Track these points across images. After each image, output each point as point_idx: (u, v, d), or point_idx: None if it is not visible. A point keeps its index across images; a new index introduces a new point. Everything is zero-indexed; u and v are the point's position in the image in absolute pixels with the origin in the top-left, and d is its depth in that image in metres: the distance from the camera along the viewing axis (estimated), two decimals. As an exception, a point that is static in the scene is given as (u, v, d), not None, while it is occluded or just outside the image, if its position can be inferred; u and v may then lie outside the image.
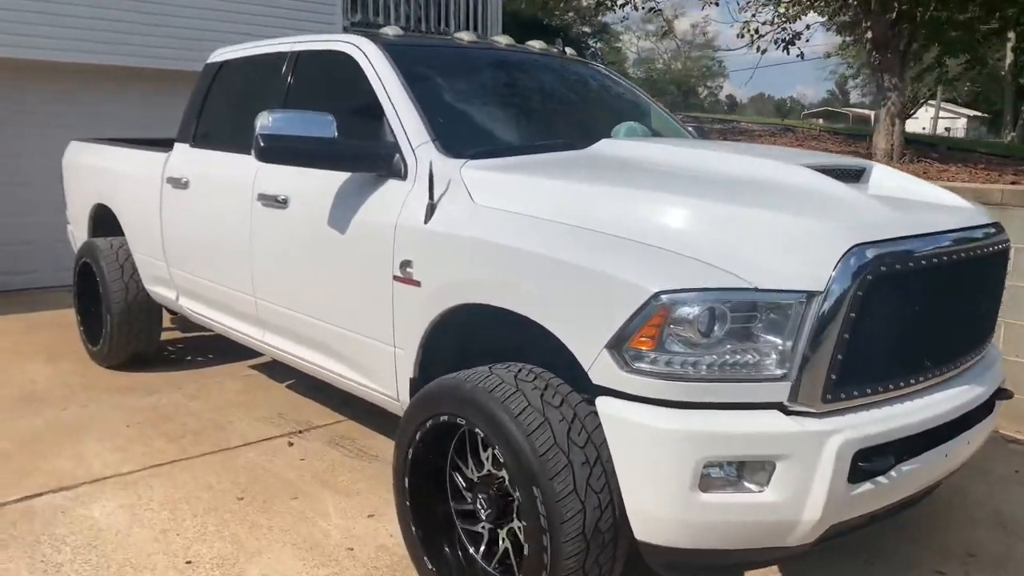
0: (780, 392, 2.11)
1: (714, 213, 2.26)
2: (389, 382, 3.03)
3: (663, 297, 2.07)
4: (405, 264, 2.79)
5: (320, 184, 3.22)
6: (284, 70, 3.71)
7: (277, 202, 3.44)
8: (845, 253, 2.10)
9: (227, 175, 3.86)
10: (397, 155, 2.95)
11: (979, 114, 43.97)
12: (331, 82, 3.51)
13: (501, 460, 2.34)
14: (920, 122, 44.20)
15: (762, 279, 2.07)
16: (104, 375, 5.03)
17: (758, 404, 2.13)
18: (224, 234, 3.86)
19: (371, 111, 3.12)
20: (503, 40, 3.73)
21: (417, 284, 2.76)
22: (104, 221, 5.20)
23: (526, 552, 2.31)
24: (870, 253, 2.12)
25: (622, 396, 2.19)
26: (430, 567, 2.61)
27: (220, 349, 5.41)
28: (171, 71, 7.63)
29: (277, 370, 5.05)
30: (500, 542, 2.52)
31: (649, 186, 2.48)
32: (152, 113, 7.73)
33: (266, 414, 4.39)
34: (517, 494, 2.30)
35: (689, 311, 2.08)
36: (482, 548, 2.58)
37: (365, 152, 2.99)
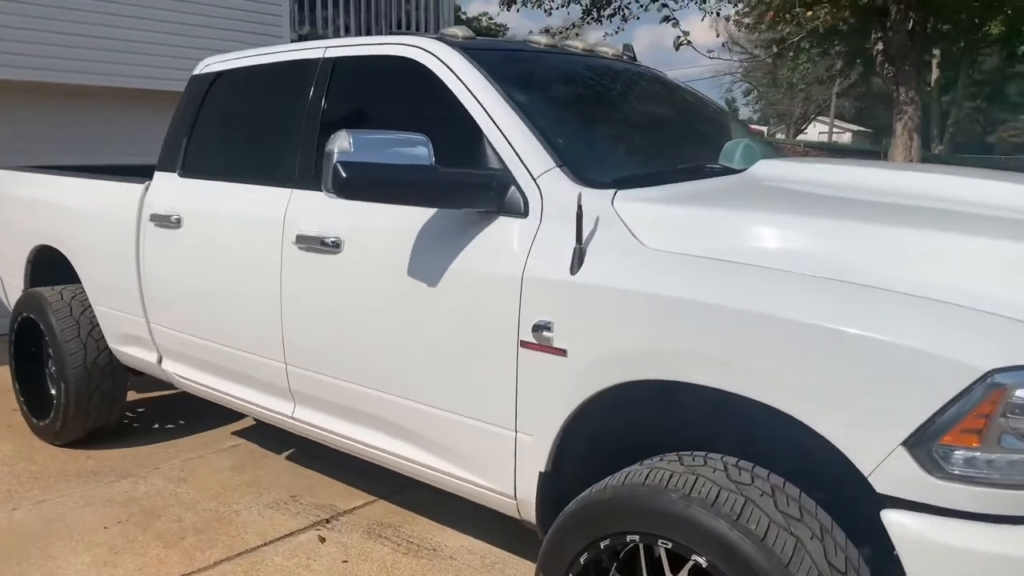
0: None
1: (997, 251, 1.72)
2: (503, 477, 2.35)
3: (999, 377, 1.52)
4: (540, 327, 2.13)
5: (391, 222, 2.54)
6: (313, 82, 2.98)
7: (325, 245, 2.72)
8: None
9: (243, 211, 3.09)
10: (512, 187, 2.30)
11: (863, 129, 46.83)
12: (389, 96, 2.82)
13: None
14: (808, 136, 46.59)
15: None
16: (57, 456, 4.09)
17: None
18: (240, 284, 3.08)
19: (457, 131, 2.46)
20: (579, 44, 3.12)
21: (560, 353, 2.11)
22: (48, 267, 4.28)
23: None
24: None
25: (924, 509, 1.62)
26: None
27: (192, 412, 4.56)
28: (99, 87, 6.67)
29: (269, 436, 4.24)
30: None
31: (909, 222, 1.92)
32: (71, 132, 6.73)
33: (277, 498, 3.61)
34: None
35: None
36: None
37: (474, 183, 2.32)
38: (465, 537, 3.24)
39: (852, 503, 1.82)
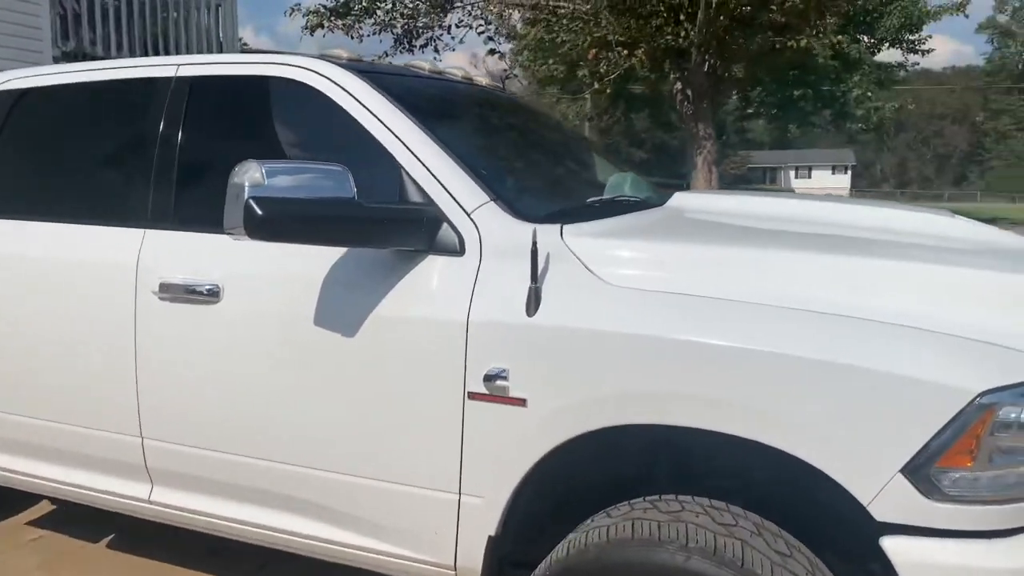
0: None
1: (986, 282, 1.83)
2: (440, 547, 2.11)
3: (987, 398, 1.59)
4: (494, 376, 1.94)
5: (288, 264, 2.22)
6: (165, 105, 2.55)
7: (198, 294, 2.32)
8: None
9: (75, 257, 2.56)
10: (444, 223, 2.09)
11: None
12: (268, 123, 2.49)
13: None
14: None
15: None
16: None
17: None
18: (71, 345, 2.55)
19: (362, 164, 2.19)
20: (458, 71, 2.97)
21: (518, 403, 1.93)
22: None
23: None
24: None
25: (923, 533, 1.65)
26: None
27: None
28: None
29: (80, 522, 3.57)
30: None
31: (868, 253, 1.97)
32: None
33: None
34: None
35: (1018, 412, 1.61)
36: None
37: (404, 219, 2.08)
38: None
39: (835, 535, 1.83)
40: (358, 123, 2.26)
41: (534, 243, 1.92)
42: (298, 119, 2.43)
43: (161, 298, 2.37)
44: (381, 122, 2.23)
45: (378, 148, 2.22)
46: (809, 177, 60.52)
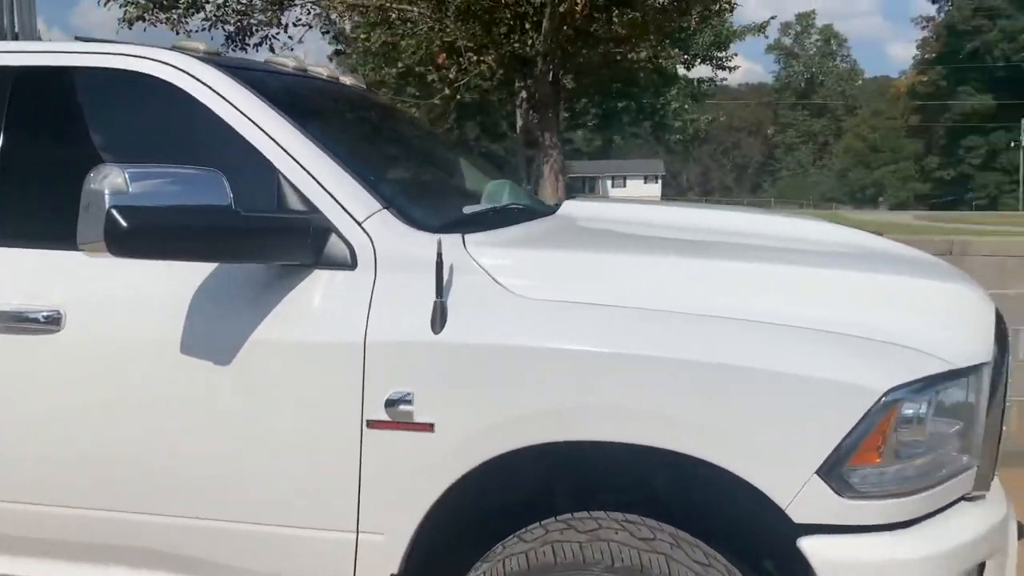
0: (967, 482, 1.84)
1: (878, 285, 1.90)
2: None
3: (891, 394, 1.64)
4: (397, 400, 1.79)
5: (142, 285, 1.95)
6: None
7: (33, 322, 1.98)
8: (996, 315, 1.93)
9: None
10: (333, 234, 1.91)
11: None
12: (111, 123, 2.19)
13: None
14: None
15: (951, 356, 1.77)
16: None
17: (955, 501, 1.83)
18: None
19: (232, 169, 1.96)
20: (323, 70, 2.75)
21: (426, 428, 1.79)
22: None
23: None
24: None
25: (839, 530, 1.68)
26: None
27: None
28: None
29: None
30: None
31: (763, 259, 2.00)
32: None
33: None
34: None
35: (916, 407, 1.69)
36: None
37: (288, 230, 1.87)
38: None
39: (752, 541, 1.84)
40: (225, 124, 2.02)
41: (439, 255, 1.79)
42: (149, 119, 2.16)
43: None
44: (254, 123, 2.01)
45: (248, 151, 1.99)
46: (624, 186, 63.65)
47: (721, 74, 17.00)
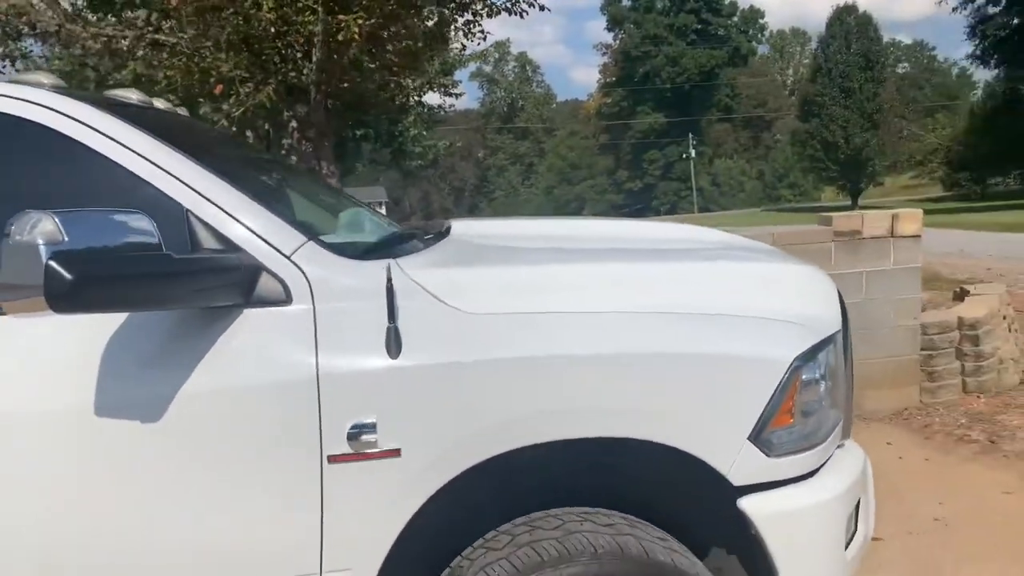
0: (840, 433, 2.21)
1: (755, 272, 2.20)
2: (297, 640, 1.83)
3: (795, 362, 1.95)
4: (358, 432, 1.76)
5: (34, 349, 1.72)
6: None
7: None
8: (837, 290, 2.33)
9: None
10: (263, 271, 1.81)
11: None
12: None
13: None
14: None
15: (820, 327, 2.13)
16: None
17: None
18: None
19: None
20: (160, 103, 2.54)
21: (392, 454, 1.78)
22: None
23: None
24: (833, 291, 2.41)
25: (768, 487, 1.95)
26: None
27: None
28: None
29: None
30: None
31: (684, 255, 2.23)
32: None
33: None
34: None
35: (815, 369, 2.01)
36: None
37: (220, 269, 1.74)
38: None
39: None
40: (112, 163, 1.84)
41: (389, 280, 1.80)
42: (11, 162, 1.88)
43: None
44: (155, 164, 1.85)
45: (141, 190, 1.84)
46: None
47: (449, 100, 17.67)
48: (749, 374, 1.91)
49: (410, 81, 7.76)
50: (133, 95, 2.38)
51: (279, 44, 5.43)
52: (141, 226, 1.60)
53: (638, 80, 74.21)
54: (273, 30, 5.25)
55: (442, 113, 19.11)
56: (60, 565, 1.75)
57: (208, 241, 1.83)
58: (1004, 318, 6.41)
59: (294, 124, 6.69)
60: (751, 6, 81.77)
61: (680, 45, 73.10)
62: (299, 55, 5.58)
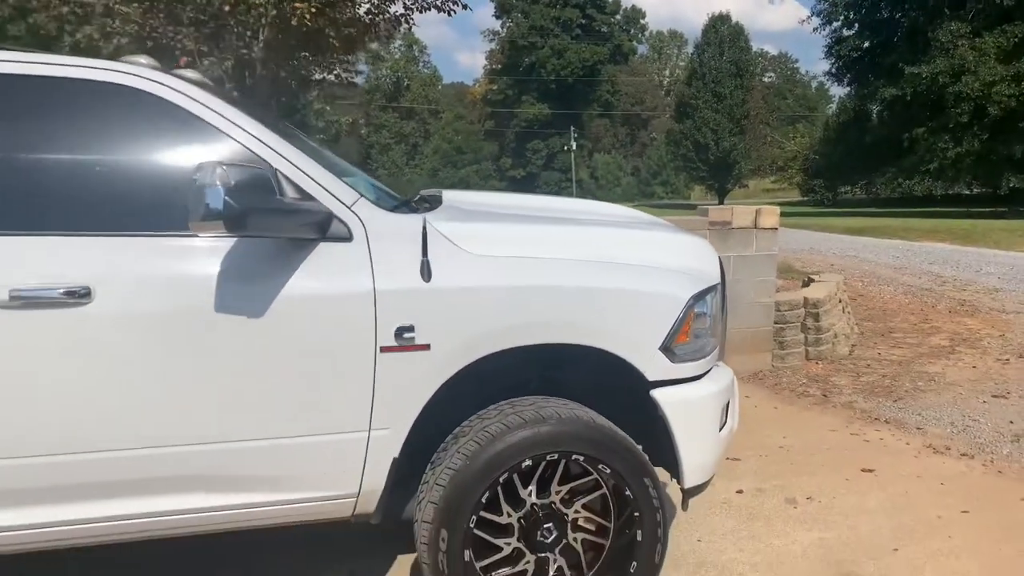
0: (717, 354, 3.15)
1: (663, 238, 3.11)
2: (345, 481, 2.58)
3: (691, 300, 2.86)
4: (403, 330, 2.52)
5: (167, 259, 2.40)
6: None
7: (63, 297, 2.28)
8: (718, 257, 3.26)
9: None
10: (332, 216, 2.54)
11: None
12: (89, 127, 2.48)
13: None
14: None
15: (706, 279, 3.05)
16: None
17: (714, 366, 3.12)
18: None
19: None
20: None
21: (424, 348, 2.55)
22: None
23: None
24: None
25: (671, 384, 2.85)
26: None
27: None
28: None
29: None
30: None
31: (607, 222, 3.08)
32: None
33: None
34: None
35: (703, 306, 2.93)
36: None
37: (308, 211, 2.44)
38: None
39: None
40: (216, 130, 2.52)
41: (424, 227, 2.57)
42: (135, 125, 2.51)
43: (8, 309, 2.25)
44: (251, 134, 2.54)
45: (241, 153, 2.52)
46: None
47: (346, 75, 17.97)
48: (661, 305, 2.80)
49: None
50: (190, 73, 3.01)
51: (232, 23, 5.93)
52: (267, 178, 2.30)
53: (523, 70, 75.58)
54: (228, 8, 5.75)
55: (345, 89, 19.31)
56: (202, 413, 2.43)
57: (292, 194, 2.53)
58: (840, 301, 7.75)
59: (235, 94, 7.09)
60: (633, 5, 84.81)
61: (565, 38, 75.01)
62: (248, 34, 6.09)
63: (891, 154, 36.72)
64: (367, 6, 7.64)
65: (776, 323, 6.82)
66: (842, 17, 42.27)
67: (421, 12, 8.40)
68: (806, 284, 7.99)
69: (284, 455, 2.51)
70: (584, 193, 70.26)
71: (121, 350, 2.36)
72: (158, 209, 2.43)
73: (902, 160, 35.73)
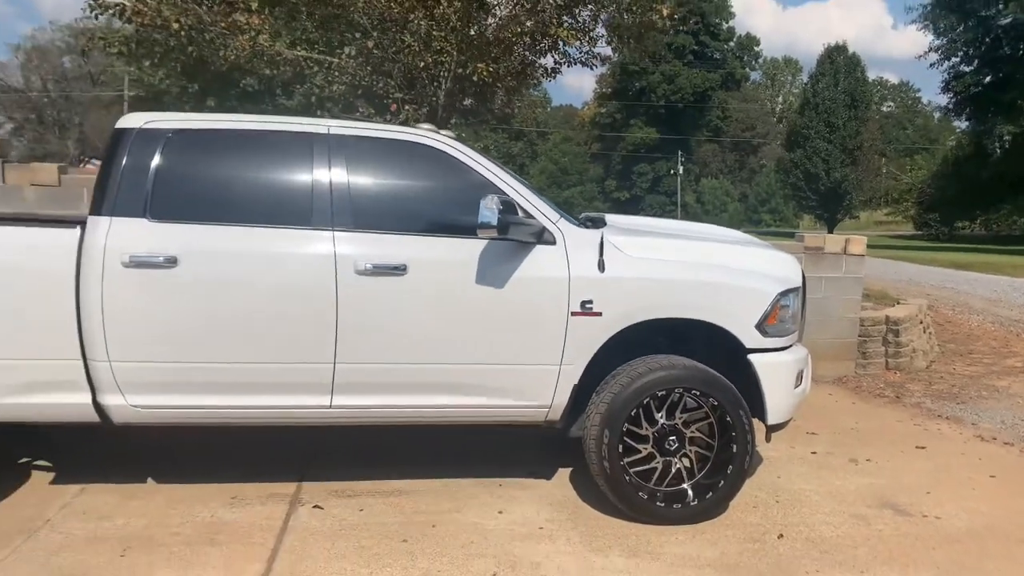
0: (796, 336, 4.46)
1: (763, 252, 4.48)
2: (544, 395, 4.06)
3: (778, 295, 4.20)
4: (586, 302, 3.98)
5: (448, 251, 3.94)
6: (314, 151, 3.97)
7: (393, 269, 3.85)
8: (801, 269, 4.58)
9: (274, 249, 3.83)
10: (544, 228, 4.02)
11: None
12: (402, 169, 4.13)
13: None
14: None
15: (790, 282, 4.37)
16: None
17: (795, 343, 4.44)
18: (274, 309, 3.79)
19: (465, 195, 3.98)
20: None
21: (598, 315, 4.00)
22: None
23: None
24: (798, 268, 4.67)
25: (761, 351, 4.19)
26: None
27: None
28: None
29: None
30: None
31: (720, 239, 4.50)
32: None
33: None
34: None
35: (787, 300, 4.26)
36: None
37: (528, 224, 3.95)
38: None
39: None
40: (476, 173, 4.06)
41: (601, 239, 4.04)
42: (422, 169, 4.10)
43: (363, 275, 3.83)
44: (493, 174, 4.09)
45: (492, 187, 4.03)
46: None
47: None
48: (758, 297, 4.15)
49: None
50: (447, 133, 4.58)
51: (425, 76, 7.61)
52: (513, 204, 3.83)
53: (633, 94, 76.66)
54: (422, 65, 7.44)
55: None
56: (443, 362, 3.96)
57: (521, 214, 4.03)
58: (920, 323, 8.77)
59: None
60: (748, 33, 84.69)
61: (677, 64, 75.74)
62: (435, 84, 7.75)
63: (1009, 191, 36.06)
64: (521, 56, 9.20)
65: (860, 336, 7.95)
66: (961, 53, 41.71)
67: (569, 66, 9.91)
68: (891, 306, 9.03)
69: (510, 374, 4.02)
70: (689, 217, 70.43)
71: (424, 304, 3.92)
72: (445, 220, 3.98)
73: (1019, 197, 35.04)
